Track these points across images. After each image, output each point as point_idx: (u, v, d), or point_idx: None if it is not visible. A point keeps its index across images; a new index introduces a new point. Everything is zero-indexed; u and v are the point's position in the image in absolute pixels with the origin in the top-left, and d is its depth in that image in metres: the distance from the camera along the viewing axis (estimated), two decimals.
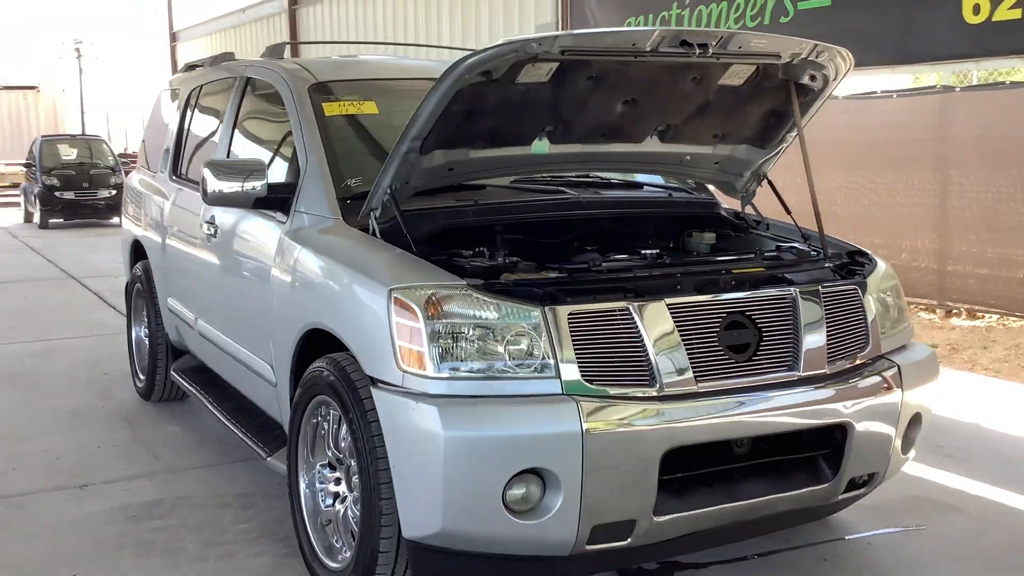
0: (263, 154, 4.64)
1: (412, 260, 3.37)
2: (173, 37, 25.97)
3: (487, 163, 3.84)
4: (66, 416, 6.00)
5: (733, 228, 4.34)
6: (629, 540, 3.15)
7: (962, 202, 9.17)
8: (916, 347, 3.87)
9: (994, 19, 7.46)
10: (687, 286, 3.35)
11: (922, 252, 9.58)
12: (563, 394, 3.05)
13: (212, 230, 4.84)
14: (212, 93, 5.60)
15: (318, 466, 3.74)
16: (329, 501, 3.69)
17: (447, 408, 2.99)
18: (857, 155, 9.94)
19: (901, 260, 9.59)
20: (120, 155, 22.85)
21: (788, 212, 4.24)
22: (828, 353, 3.44)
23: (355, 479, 3.40)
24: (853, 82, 9.89)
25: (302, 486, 3.79)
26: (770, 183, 4.35)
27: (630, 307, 3.16)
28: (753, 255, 3.83)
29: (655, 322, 3.17)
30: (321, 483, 3.73)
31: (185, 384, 5.50)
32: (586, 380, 3.07)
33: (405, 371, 3.10)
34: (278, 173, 4.40)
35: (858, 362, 3.55)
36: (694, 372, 3.19)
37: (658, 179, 4.69)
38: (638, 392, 3.12)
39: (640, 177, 4.67)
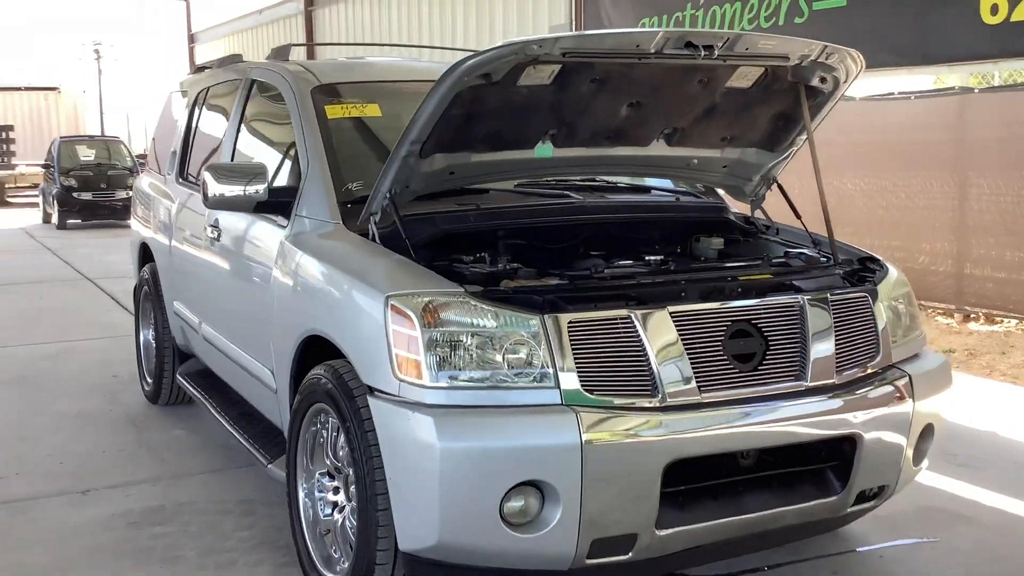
0: (266, 157, 4.59)
1: (410, 266, 3.31)
2: (191, 38, 26.05)
3: (489, 167, 3.77)
4: (72, 419, 5.98)
5: (742, 233, 4.26)
6: (630, 554, 3.08)
7: (981, 205, 9.05)
8: (929, 356, 3.78)
9: (1012, 19, 7.33)
10: (691, 294, 3.27)
11: (940, 255, 9.45)
12: (562, 404, 2.98)
13: (216, 233, 4.79)
14: (218, 95, 5.56)
15: (317, 474, 3.68)
16: (328, 510, 3.63)
17: (443, 418, 2.93)
18: (875, 157, 9.83)
19: (919, 263, 9.48)
20: (139, 156, 22.90)
21: (798, 217, 4.15)
22: (837, 362, 3.36)
23: (353, 489, 3.34)
24: (870, 83, 9.78)
25: (301, 495, 3.73)
26: (780, 187, 4.27)
27: (632, 315, 3.09)
28: (760, 262, 3.75)
29: (658, 331, 3.10)
30: (320, 492, 3.67)
31: (190, 388, 5.46)
32: (586, 390, 3.00)
33: (401, 380, 3.04)
34: (280, 176, 4.35)
35: (868, 372, 3.46)
36: (698, 382, 3.11)
37: (666, 183, 4.61)
38: (640, 403, 3.04)
39: (647, 181, 4.58)
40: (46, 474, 5.02)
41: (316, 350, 3.63)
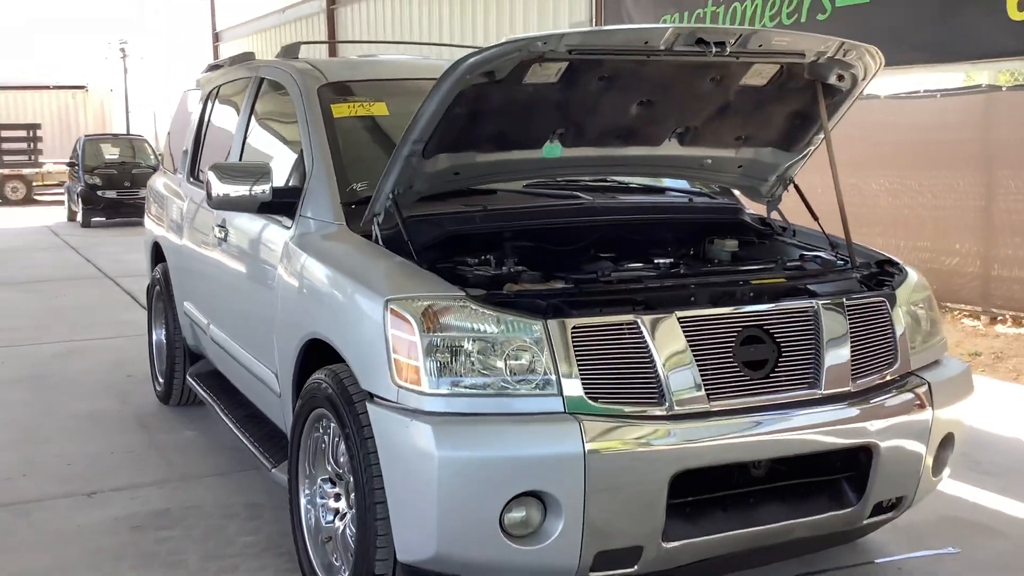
0: (273, 157, 4.52)
1: (412, 269, 3.23)
2: (216, 37, 26.10)
3: (495, 167, 3.68)
4: (83, 420, 5.95)
5: (757, 235, 4.14)
6: (636, 567, 2.98)
7: (1008, 204, 8.87)
8: (949, 362, 3.65)
9: None
10: (701, 298, 3.17)
11: (967, 256, 9.28)
12: (565, 412, 2.89)
13: (223, 234, 4.73)
14: (229, 94, 5.50)
15: (319, 480, 3.60)
16: (329, 517, 3.55)
17: (442, 426, 2.84)
18: (900, 156, 9.67)
19: (945, 264, 9.32)
20: (163, 154, 23.00)
21: (815, 218, 4.03)
22: (852, 370, 3.25)
23: (353, 496, 3.27)
24: (895, 81, 9.62)
25: (303, 501, 3.66)
26: (796, 188, 4.15)
27: (638, 320, 2.99)
28: (774, 265, 3.64)
29: (665, 336, 3.00)
30: (322, 498, 3.59)
31: (199, 389, 5.41)
32: (590, 398, 2.91)
33: (400, 386, 2.96)
34: (286, 176, 4.28)
35: (885, 379, 3.34)
36: (707, 390, 3.01)
37: (680, 183, 4.50)
38: (646, 411, 2.95)
39: (662, 181, 4.47)
40: (53, 475, 4.98)
41: (319, 354, 3.55)
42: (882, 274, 3.65)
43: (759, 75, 3.62)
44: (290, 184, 4.16)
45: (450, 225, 3.63)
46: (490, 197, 3.89)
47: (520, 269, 3.37)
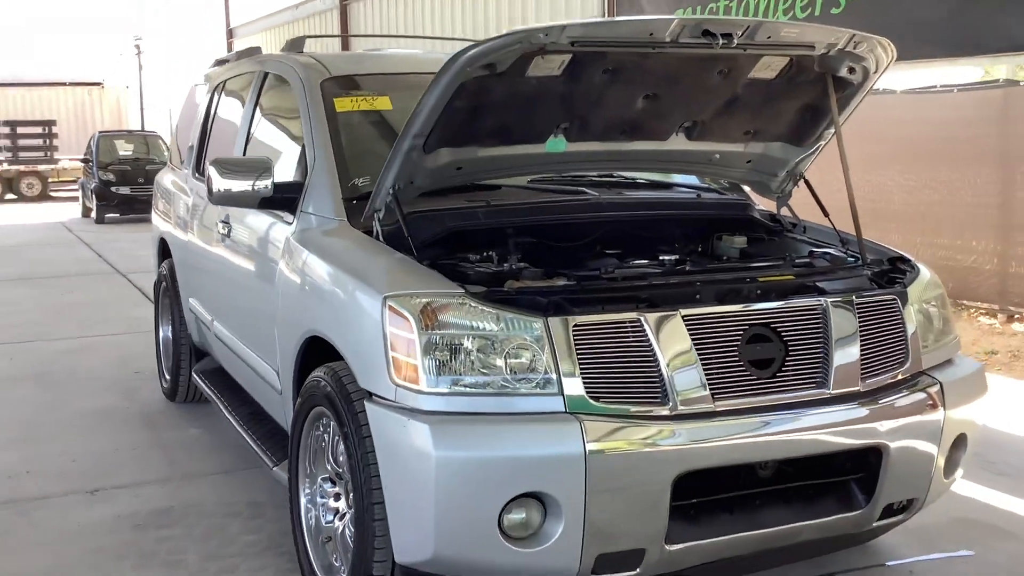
0: (276, 152, 4.47)
1: (411, 266, 3.17)
2: (230, 33, 26.12)
3: (498, 162, 3.62)
4: (89, 417, 5.92)
5: (767, 231, 4.07)
6: (638, 570, 2.92)
7: None
8: (962, 361, 3.57)
9: None
10: (707, 296, 3.10)
11: (984, 253, 9.16)
12: (566, 412, 2.82)
13: (226, 229, 4.69)
14: (234, 88, 5.46)
15: (319, 480, 3.55)
16: (329, 517, 3.50)
17: (440, 426, 2.78)
18: (916, 152, 9.55)
19: (961, 262, 9.20)
20: None
21: (826, 214, 3.95)
22: (862, 369, 3.17)
23: (352, 496, 3.21)
24: (911, 76, 9.50)
25: (303, 500, 3.61)
26: (807, 183, 4.07)
27: (641, 318, 2.92)
28: (782, 262, 3.56)
29: (669, 335, 2.93)
30: (322, 498, 3.54)
31: (204, 387, 5.37)
32: (592, 397, 2.84)
33: (398, 385, 2.90)
34: (289, 172, 4.23)
35: (896, 379, 3.27)
36: (711, 389, 2.94)
37: (690, 179, 4.42)
38: (649, 411, 2.88)
39: (666, 176, 4.40)
40: (57, 473, 4.95)
41: (319, 351, 3.50)
42: (894, 271, 3.57)
43: (768, 68, 3.54)
44: (292, 179, 4.11)
45: (452, 221, 3.57)
46: (494, 193, 3.83)
47: (522, 266, 3.30)
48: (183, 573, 3.82)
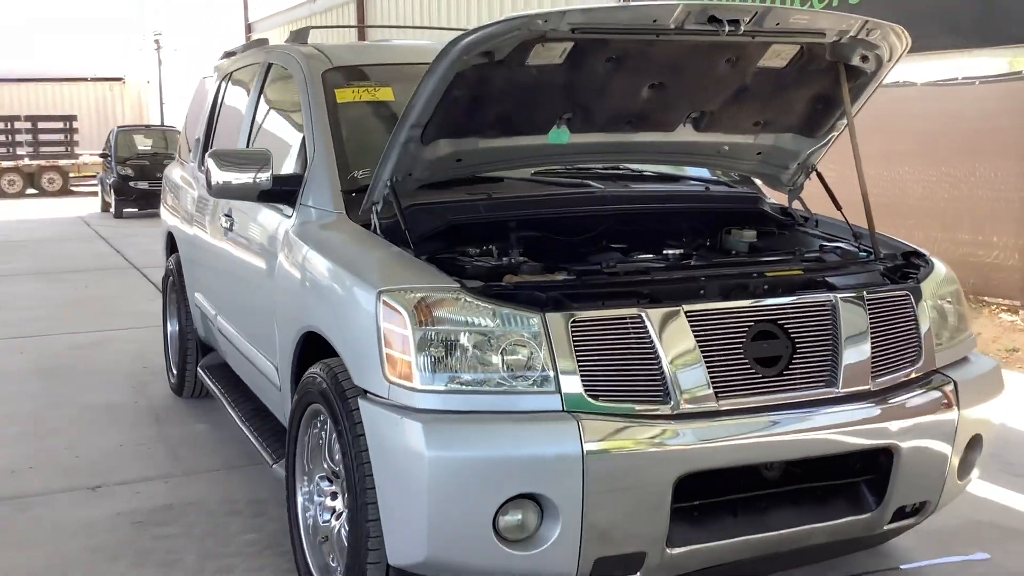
0: (278, 144, 4.39)
1: (407, 260, 3.08)
2: (248, 28, 26.13)
3: (499, 154, 3.53)
4: (96, 411, 5.88)
5: (778, 225, 3.96)
6: (638, 574, 2.84)
7: None
8: (978, 360, 3.46)
9: None
10: (711, 291, 3.01)
11: (1006, 249, 8.99)
12: (563, 411, 2.74)
13: (229, 223, 4.63)
14: (240, 80, 5.39)
15: (317, 478, 3.48)
16: (326, 516, 3.42)
17: (433, 425, 2.70)
18: (937, 146, 9.39)
19: (982, 257, 9.04)
20: None
21: (838, 208, 3.84)
22: (873, 367, 3.07)
23: (347, 496, 3.14)
24: (932, 68, 9.34)
25: (300, 499, 3.54)
26: (819, 176, 3.96)
27: (643, 314, 2.83)
28: (791, 256, 3.45)
29: (671, 331, 2.83)
30: (319, 497, 3.47)
31: (209, 382, 5.31)
32: (590, 395, 2.75)
33: (392, 382, 2.82)
34: (290, 164, 4.16)
35: (908, 378, 3.16)
36: (715, 388, 2.85)
37: (699, 171, 4.31)
38: (649, 409, 2.79)
39: (675, 169, 4.29)
40: (60, 468, 4.91)
41: (317, 348, 3.43)
42: (907, 266, 3.46)
43: (778, 56, 3.44)
44: (293, 172, 4.03)
45: (453, 214, 3.48)
46: (496, 185, 3.75)
47: (522, 260, 3.22)
48: (180, 572, 3.75)
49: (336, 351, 3.16)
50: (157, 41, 36.61)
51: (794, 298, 3.04)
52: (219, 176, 3.80)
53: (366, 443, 2.90)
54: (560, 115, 3.46)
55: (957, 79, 9.50)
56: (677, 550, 2.82)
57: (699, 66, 3.40)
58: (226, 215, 4.67)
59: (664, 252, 3.41)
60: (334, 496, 3.37)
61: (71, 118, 30.67)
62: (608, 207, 3.73)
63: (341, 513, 3.31)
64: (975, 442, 3.27)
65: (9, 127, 29.26)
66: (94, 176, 26.35)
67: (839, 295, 3.08)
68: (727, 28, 3.06)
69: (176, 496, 4.51)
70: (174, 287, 6.17)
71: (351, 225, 3.47)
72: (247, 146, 4.72)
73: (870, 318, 3.10)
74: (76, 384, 6.55)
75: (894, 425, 3.02)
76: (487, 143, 3.46)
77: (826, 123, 3.78)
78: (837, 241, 3.74)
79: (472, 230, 3.48)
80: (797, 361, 2.98)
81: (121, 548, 3.97)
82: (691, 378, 2.82)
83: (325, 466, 3.39)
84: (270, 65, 4.78)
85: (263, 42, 5.66)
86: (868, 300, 3.13)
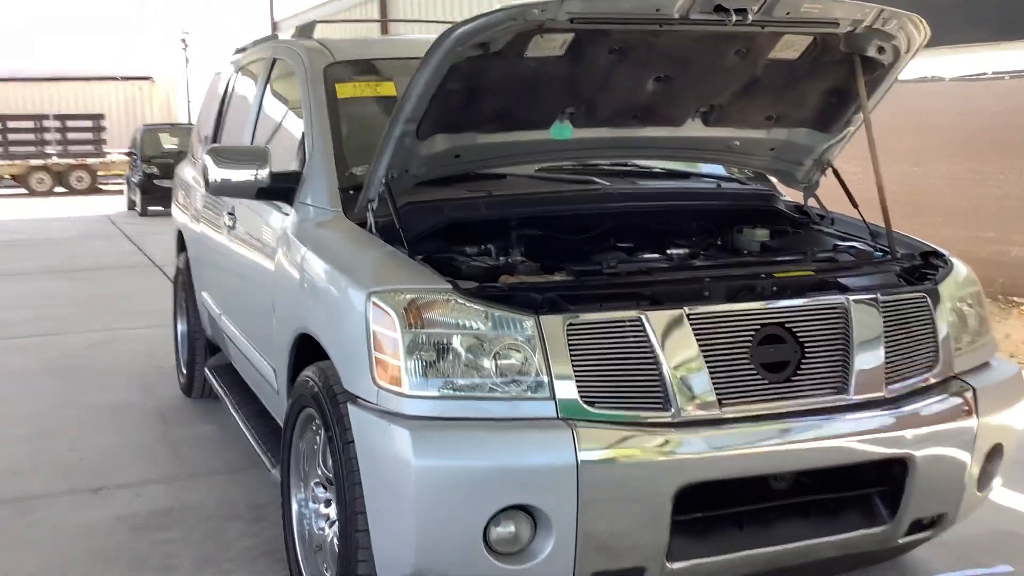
0: (279, 140, 4.30)
1: (400, 260, 2.97)
2: (274, 27, 26.16)
3: (500, 149, 3.41)
4: (103, 412, 5.82)
5: (792, 224, 3.81)
6: None
7: None
8: (1000, 365, 3.30)
9: None
10: (715, 292, 2.87)
11: None
12: (557, 418, 2.62)
13: (232, 221, 4.54)
14: (247, 77, 5.30)
15: (312, 484, 3.38)
16: (321, 524, 3.32)
17: (421, 432, 2.59)
18: (964, 142, 9.17)
19: (1011, 256, 8.82)
20: None
21: (855, 205, 3.69)
22: (887, 373, 2.92)
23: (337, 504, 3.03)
24: (960, 61, 9.12)
25: (295, 506, 3.44)
26: (835, 172, 3.81)
27: (642, 317, 2.70)
28: (802, 256, 3.30)
29: (672, 335, 2.71)
30: (314, 503, 3.37)
31: (215, 382, 5.23)
32: (586, 402, 2.63)
33: (381, 387, 2.71)
34: (290, 161, 4.05)
35: (924, 384, 3.01)
36: (718, 395, 2.72)
37: (712, 168, 4.17)
38: (648, 417, 2.66)
39: (688, 166, 4.15)
40: (62, 470, 4.85)
41: (313, 350, 3.32)
42: (925, 267, 3.31)
43: (790, 47, 3.30)
44: (293, 169, 3.93)
45: (451, 212, 3.37)
46: (498, 182, 3.63)
47: (519, 260, 3.10)
48: None
49: (328, 354, 3.06)
50: (184, 40, 36.76)
51: (804, 300, 2.90)
52: (216, 173, 3.71)
53: (356, 450, 2.80)
54: (562, 109, 3.34)
55: (986, 74, 9.28)
56: (678, 564, 2.70)
57: (707, 58, 3.26)
58: (229, 213, 4.58)
59: (668, 252, 3.28)
60: (328, 503, 3.27)
61: (99, 117, 30.83)
62: (614, 205, 3.61)
63: (335, 521, 3.20)
64: (996, 451, 3.12)
65: (38, 126, 29.47)
66: (122, 174, 26.48)
67: (852, 297, 2.94)
68: (734, 18, 2.93)
69: (177, 499, 4.43)
70: (184, 286, 6.10)
71: (347, 223, 3.37)
72: (251, 143, 4.63)
73: (884, 321, 2.96)
74: (86, 383, 6.50)
75: (909, 434, 2.88)
76: (486, 138, 3.34)
77: (842, 117, 3.64)
78: (853, 240, 3.59)
79: (472, 228, 3.37)
80: (806, 367, 2.84)
81: (118, 552, 3.89)
82: (693, 384, 2.70)
83: (320, 472, 3.28)
84: (275, 60, 4.69)
85: (272, 37, 5.57)
86: (883, 303, 2.98)
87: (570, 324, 2.66)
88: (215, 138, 5.59)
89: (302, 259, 3.42)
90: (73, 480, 4.69)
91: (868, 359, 2.89)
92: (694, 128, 3.56)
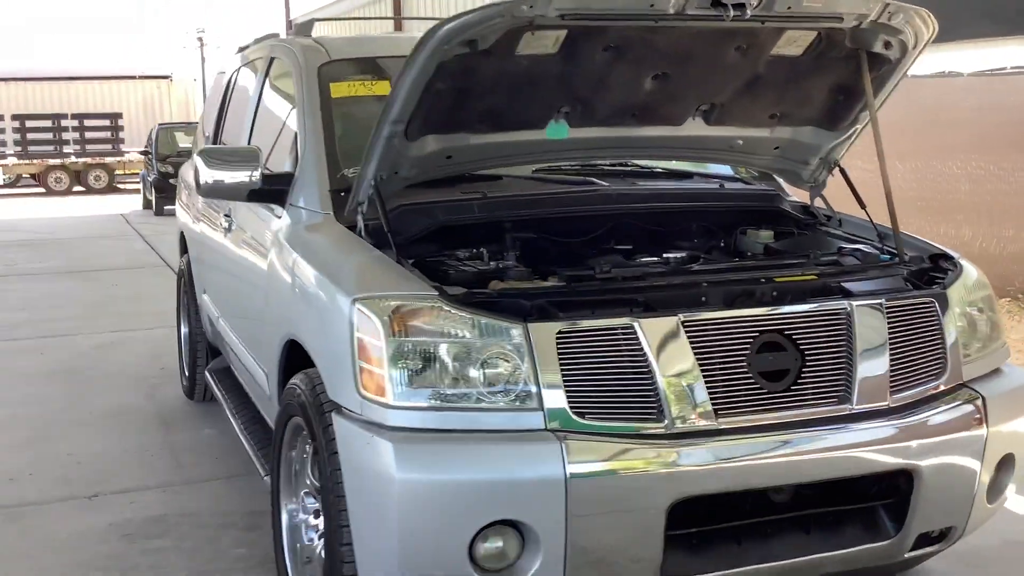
0: (273, 141, 4.21)
1: (387, 265, 2.88)
2: (290, 25, 26.08)
3: (493, 150, 3.31)
4: (105, 416, 5.76)
5: (797, 225, 3.70)
6: None
7: None
8: (1012, 372, 3.18)
9: None
10: (713, 298, 2.77)
11: None
12: (546, 430, 2.52)
13: (228, 223, 4.47)
14: (247, 76, 5.22)
15: (302, 494, 3.30)
16: (311, 535, 3.24)
17: (404, 445, 2.50)
18: (983, 138, 8.99)
19: None
20: None
21: (862, 206, 3.58)
22: (891, 382, 2.81)
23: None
24: (979, 56, 8.95)
25: (284, 517, 3.36)
26: (843, 172, 3.69)
27: (635, 324, 2.60)
28: (805, 259, 3.19)
29: (666, 342, 2.61)
30: (304, 514, 3.29)
31: (214, 386, 5.16)
32: (576, 413, 2.54)
33: (364, 397, 2.62)
34: (284, 162, 3.97)
35: (931, 392, 2.90)
36: (714, 405, 2.61)
37: (717, 168, 4.06)
38: (640, 428, 2.57)
39: (694, 166, 4.04)
40: (59, 476, 4.78)
41: (303, 356, 3.23)
42: (934, 270, 3.19)
43: (793, 43, 3.18)
44: (286, 170, 3.85)
45: (444, 215, 3.28)
46: (495, 183, 3.53)
47: (511, 264, 3.00)
48: None
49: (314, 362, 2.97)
50: (200, 39, 36.82)
51: (805, 306, 2.79)
52: (207, 175, 3.63)
53: (340, 461, 2.71)
54: (557, 108, 3.24)
55: (1005, 68, 9.10)
56: None
57: (706, 54, 3.16)
58: (226, 215, 4.51)
59: (665, 255, 3.17)
60: (318, 514, 3.19)
61: (116, 116, 30.91)
62: (613, 206, 3.51)
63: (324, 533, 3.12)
64: (1007, 462, 3.00)
65: (56, 125, 29.56)
66: (139, 173, 26.53)
67: (855, 302, 2.83)
68: (732, 13, 2.82)
69: (172, 506, 4.36)
70: (186, 287, 6.04)
71: (337, 227, 3.28)
72: (249, 143, 4.55)
73: (889, 328, 2.85)
74: (90, 386, 6.45)
75: (914, 445, 2.77)
76: (479, 139, 3.24)
77: (848, 115, 3.52)
78: (860, 242, 3.47)
79: (465, 231, 3.28)
80: (807, 375, 2.73)
81: (109, 562, 3.82)
82: (687, 394, 2.60)
83: (309, 482, 3.20)
84: (272, 59, 4.61)
85: (274, 35, 5.49)
86: (887, 308, 2.87)
87: (560, 332, 2.57)
88: (216, 138, 5.52)
89: (291, 263, 3.33)
90: (69, 487, 4.63)
91: (872, 367, 2.78)
92: (695, 127, 3.46)
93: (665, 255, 3.17)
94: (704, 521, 2.66)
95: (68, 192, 28.53)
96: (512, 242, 3.25)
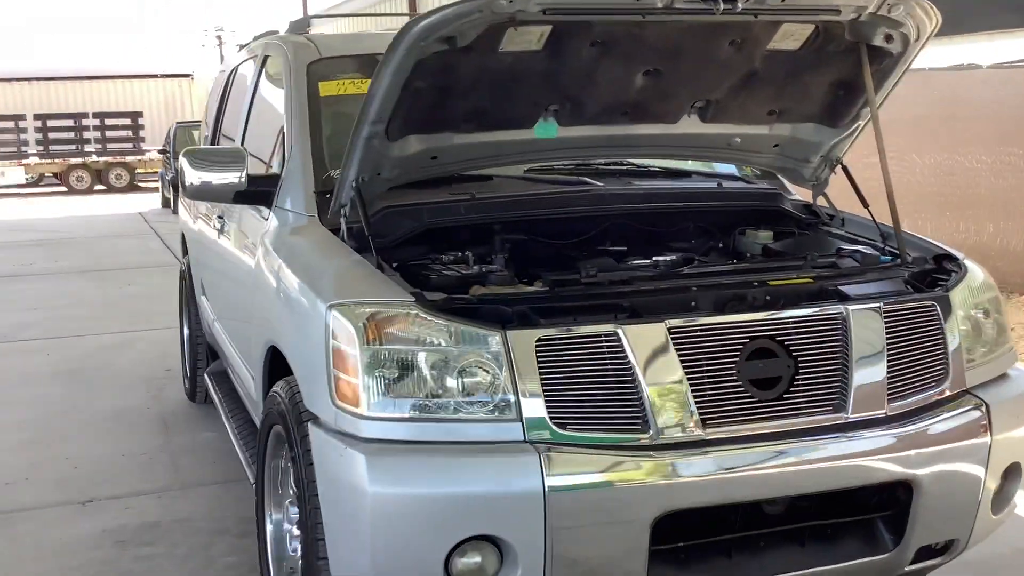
0: (263, 141, 4.14)
1: (366, 270, 2.79)
2: (307, 23, 26.12)
3: (480, 150, 3.21)
4: (107, 418, 5.73)
5: (798, 225, 3.58)
6: None
7: None
8: (1019, 376, 3.05)
9: None
10: (703, 303, 2.66)
11: None
12: (524, 441, 2.42)
13: (220, 225, 4.40)
14: (243, 74, 5.14)
15: (286, 504, 3.22)
16: (295, 545, 3.16)
17: (377, 457, 2.42)
18: (1004, 131, 8.82)
19: None
20: None
21: (865, 205, 3.45)
22: (889, 389, 2.70)
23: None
24: (998, 48, 8.78)
25: (269, 526, 3.28)
26: (845, 169, 3.57)
27: (619, 331, 2.50)
28: (802, 262, 3.07)
29: (651, 350, 2.50)
30: (288, 524, 3.21)
31: (212, 389, 5.10)
32: (556, 423, 2.44)
33: (338, 407, 2.54)
34: (273, 162, 3.89)
35: (932, 400, 2.78)
36: (702, 415, 2.51)
37: (716, 167, 3.95)
38: (623, 440, 2.47)
39: (700, 165, 3.92)
40: (55, 481, 4.74)
41: (285, 363, 3.15)
42: (937, 272, 3.07)
43: (790, 37, 3.07)
44: (273, 171, 3.77)
45: (430, 216, 3.18)
46: (484, 184, 3.44)
47: (495, 268, 2.90)
48: None
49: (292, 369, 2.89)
50: (219, 37, 36.91)
51: (798, 311, 2.68)
52: (193, 176, 3.55)
53: (316, 473, 2.63)
54: (546, 106, 3.14)
55: None
56: None
57: (699, 50, 3.04)
58: (219, 216, 4.44)
59: (656, 258, 3.06)
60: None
61: (137, 115, 31.01)
62: (607, 207, 3.40)
63: None
64: (1013, 471, 2.88)
65: (77, 124, 29.69)
66: (159, 172, 26.60)
67: (851, 307, 2.72)
68: (722, 6, 2.71)
69: (166, 512, 4.30)
70: (188, 289, 5.99)
71: (320, 230, 3.19)
72: (242, 143, 4.48)
73: (888, 333, 2.73)
74: (93, 388, 6.42)
75: (913, 454, 2.66)
76: (465, 139, 3.15)
77: (850, 111, 3.39)
78: (861, 243, 3.36)
79: (451, 234, 3.19)
80: (800, 383, 2.62)
81: (100, 569, 3.78)
82: (674, 404, 2.49)
83: (292, 492, 3.12)
84: (266, 57, 4.53)
85: (273, 32, 5.41)
86: (886, 312, 2.75)
87: (539, 339, 2.47)
88: (215, 137, 5.45)
89: (275, 267, 3.26)
90: (64, 491, 4.59)
91: (868, 374, 2.67)
92: (690, 125, 3.35)
93: (656, 258, 3.07)
94: (693, 535, 2.56)
95: (89, 191, 28.65)
96: (501, 245, 3.16)
